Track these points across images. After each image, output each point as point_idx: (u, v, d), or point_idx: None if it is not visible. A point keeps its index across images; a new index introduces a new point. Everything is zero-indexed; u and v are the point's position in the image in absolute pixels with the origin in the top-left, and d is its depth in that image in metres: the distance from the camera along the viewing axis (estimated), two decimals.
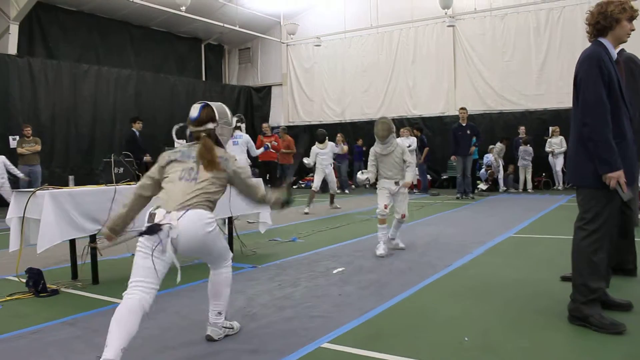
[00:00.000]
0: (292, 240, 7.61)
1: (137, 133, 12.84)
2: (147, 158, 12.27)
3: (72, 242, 5.30)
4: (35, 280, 4.83)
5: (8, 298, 4.75)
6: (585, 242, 3.55)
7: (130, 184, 5.35)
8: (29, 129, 12.52)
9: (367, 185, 6.77)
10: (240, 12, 18.39)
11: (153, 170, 3.39)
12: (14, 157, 12.54)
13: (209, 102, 3.47)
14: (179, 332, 3.74)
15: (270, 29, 20.59)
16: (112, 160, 5.46)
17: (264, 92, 21.47)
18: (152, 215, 3.12)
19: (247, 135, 9.71)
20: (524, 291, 4.59)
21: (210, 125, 3.40)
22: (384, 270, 5.55)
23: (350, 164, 17.18)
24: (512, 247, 6.73)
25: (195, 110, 3.41)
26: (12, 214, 5.17)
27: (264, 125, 14.55)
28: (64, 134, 15.23)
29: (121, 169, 5.61)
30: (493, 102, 16.62)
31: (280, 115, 20.96)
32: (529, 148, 14.60)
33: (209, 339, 3.51)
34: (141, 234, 3.07)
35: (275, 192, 3.59)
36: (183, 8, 14.99)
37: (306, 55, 20.50)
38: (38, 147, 12.50)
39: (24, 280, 4.93)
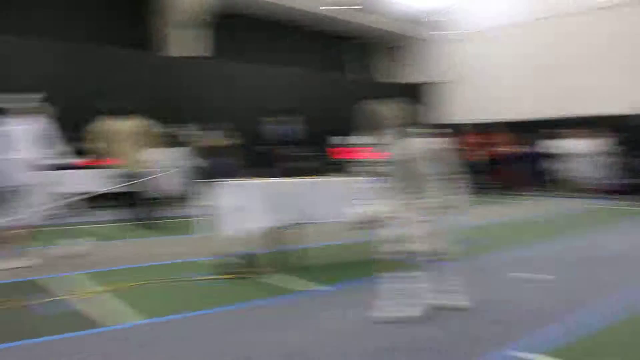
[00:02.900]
0: (468, 243, 7.50)
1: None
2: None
3: (275, 230, 5.69)
4: (239, 263, 5.40)
5: (232, 276, 5.33)
6: None
7: (315, 177, 5.80)
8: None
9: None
10: (406, 10, 18.29)
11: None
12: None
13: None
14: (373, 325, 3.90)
15: (423, 26, 20.28)
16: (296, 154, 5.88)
17: (431, 90, 21.21)
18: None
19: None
20: None
21: (391, 110, 3.79)
22: (571, 279, 5.32)
23: None
24: None
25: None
26: (220, 201, 5.70)
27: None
28: (249, 131, 16.44)
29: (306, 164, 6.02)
30: None
31: (450, 113, 20.57)
32: None
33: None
34: None
35: None
36: (331, 8, 15.29)
37: (477, 51, 19.92)
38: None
39: (230, 262, 5.48)
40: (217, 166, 12.41)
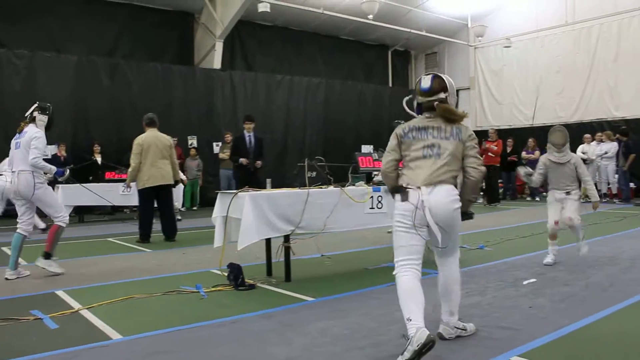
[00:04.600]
0: (479, 247, 7.40)
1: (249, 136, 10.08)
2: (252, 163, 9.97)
3: (268, 241, 5.70)
4: (236, 275, 5.25)
5: (212, 289, 5.21)
6: None
7: (321, 187, 5.61)
8: (229, 136, 13.64)
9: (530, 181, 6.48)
10: (426, 17, 18.35)
11: (393, 147, 3.53)
12: (217, 162, 13.96)
13: (437, 73, 3.58)
14: (368, 333, 3.79)
15: (457, 33, 20.25)
16: (306, 164, 5.73)
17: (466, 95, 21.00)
18: (404, 191, 3.34)
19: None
20: None
21: (442, 95, 3.48)
22: (580, 284, 5.15)
23: None
24: None
25: (426, 81, 3.51)
26: (217, 213, 5.65)
27: (490, 130, 14.91)
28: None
29: (314, 173, 5.88)
30: None
31: (467, 119, 20.31)
32: None
33: (440, 337, 3.54)
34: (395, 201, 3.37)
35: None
36: (370, 16, 15.33)
37: (495, 58, 19.82)
38: None
39: (226, 274, 5.38)
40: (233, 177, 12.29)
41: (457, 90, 3.72)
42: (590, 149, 14.31)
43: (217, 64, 15.96)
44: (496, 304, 4.50)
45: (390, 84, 21.54)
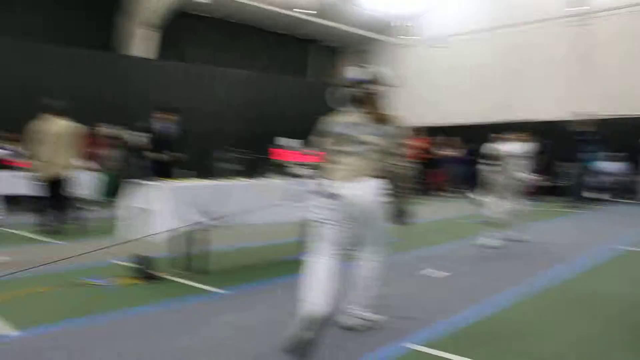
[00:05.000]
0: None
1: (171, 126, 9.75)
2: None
3: (181, 233, 5.52)
4: (144, 267, 5.17)
5: (120, 282, 5.09)
6: None
7: (241, 179, 5.63)
8: (152, 125, 13.19)
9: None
10: (357, 14, 18.58)
11: (320, 141, 3.58)
12: (137, 152, 13.51)
13: (365, 64, 3.64)
14: (275, 326, 3.78)
15: (388, 31, 20.56)
16: (228, 157, 5.72)
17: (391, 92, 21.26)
18: (323, 184, 3.37)
19: None
20: (627, 307, 4.38)
21: (371, 86, 3.50)
22: (481, 276, 5.46)
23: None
24: (620, 260, 6.42)
25: (353, 71, 3.53)
26: (130, 203, 5.49)
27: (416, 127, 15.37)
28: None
29: (232, 164, 5.89)
30: (624, 107, 15.47)
31: (396, 117, 20.66)
32: None
33: (348, 327, 3.60)
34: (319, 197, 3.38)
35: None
36: (304, 11, 15.36)
37: (422, 57, 20.25)
38: None
39: (135, 266, 5.24)
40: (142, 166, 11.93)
41: (389, 85, 3.68)
42: (509, 147, 14.89)
43: (147, 53, 15.64)
44: (397, 295, 4.65)
45: (322, 79, 21.67)
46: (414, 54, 20.48)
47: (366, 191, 3.34)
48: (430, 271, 5.60)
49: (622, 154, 14.29)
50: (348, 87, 3.50)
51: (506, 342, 3.57)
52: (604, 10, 15.72)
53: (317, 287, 3.21)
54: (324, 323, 3.10)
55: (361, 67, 3.53)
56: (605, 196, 14.12)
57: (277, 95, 18.71)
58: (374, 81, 3.49)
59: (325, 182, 3.41)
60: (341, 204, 3.31)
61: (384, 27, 20.33)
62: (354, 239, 3.52)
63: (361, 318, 3.65)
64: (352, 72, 3.50)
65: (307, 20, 17.36)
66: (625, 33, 15.57)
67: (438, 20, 19.42)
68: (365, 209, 3.35)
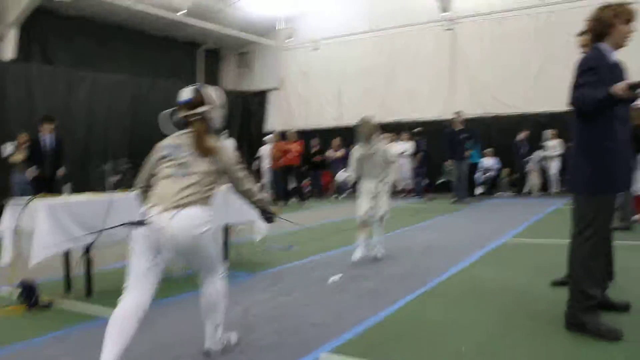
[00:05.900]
0: (288, 248, 7.55)
1: (47, 138, 10.01)
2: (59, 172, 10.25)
3: (67, 254, 5.25)
4: (28, 293, 4.74)
5: (15, 308, 4.67)
6: (582, 248, 3.54)
7: (126, 192, 5.30)
8: (24, 136, 12.02)
9: (348, 186, 6.85)
10: (238, 17, 18.37)
11: (149, 164, 3.34)
12: (5, 166, 12.23)
13: (201, 85, 3.43)
14: (171, 348, 3.66)
15: (268, 33, 20.49)
16: (107, 168, 5.42)
17: (261, 98, 21.36)
18: (145, 214, 3.07)
19: None
20: (520, 297, 4.59)
21: (203, 109, 3.30)
22: (380, 278, 5.52)
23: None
24: (508, 252, 6.72)
25: (186, 93, 3.33)
26: (6, 224, 5.07)
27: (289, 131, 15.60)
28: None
29: (119, 176, 5.57)
30: (490, 106, 16.48)
31: (276, 120, 20.80)
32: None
33: (208, 353, 3.40)
34: (131, 227, 3.07)
35: (264, 195, 3.55)
36: (180, 13, 14.94)
37: (304, 59, 20.39)
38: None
39: (17, 293, 4.80)
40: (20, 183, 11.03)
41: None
42: (391, 147, 15.39)
43: (8, 54, 14.42)
44: (304, 303, 4.62)
45: (202, 83, 21.17)
46: (295, 57, 20.60)
47: (188, 222, 3.05)
48: (331, 276, 5.57)
49: (491, 149, 15.26)
50: (180, 110, 3.36)
51: (413, 340, 3.62)
52: (467, 16, 16.74)
53: (110, 339, 2.98)
54: None
55: (195, 88, 3.38)
56: (480, 190, 14.97)
57: (158, 100, 18.04)
58: (204, 103, 3.33)
59: (143, 209, 3.14)
60: (155, 234, 3.03)
61: (265, 30, 20.26)
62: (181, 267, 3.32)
63: (217, 339, 3.42)
64: (184, 94, 3.34)
65: (184, 23, 16.87)
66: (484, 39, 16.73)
67: (318, 23, 19.61)
68: (186, 241, 3.07)
